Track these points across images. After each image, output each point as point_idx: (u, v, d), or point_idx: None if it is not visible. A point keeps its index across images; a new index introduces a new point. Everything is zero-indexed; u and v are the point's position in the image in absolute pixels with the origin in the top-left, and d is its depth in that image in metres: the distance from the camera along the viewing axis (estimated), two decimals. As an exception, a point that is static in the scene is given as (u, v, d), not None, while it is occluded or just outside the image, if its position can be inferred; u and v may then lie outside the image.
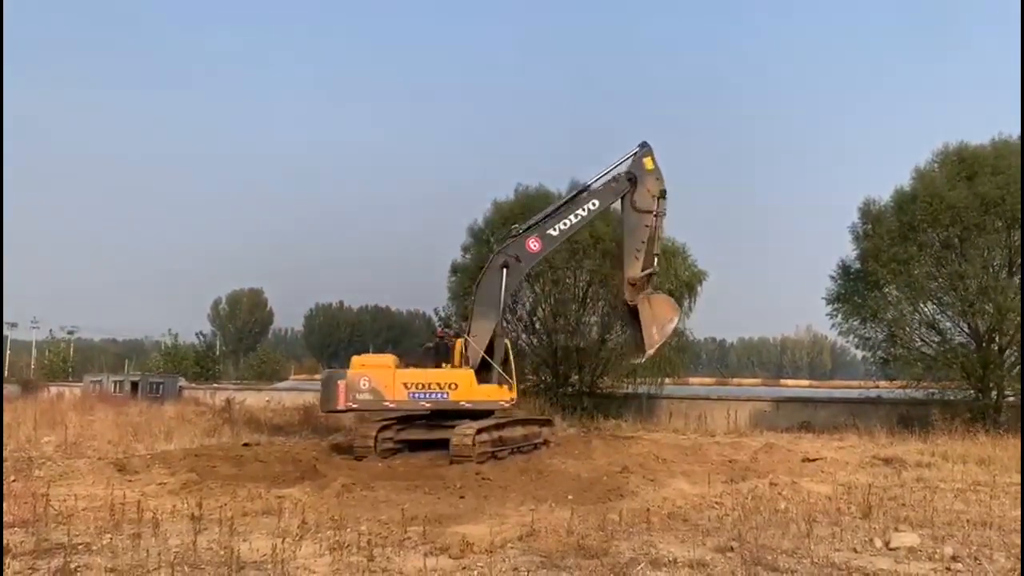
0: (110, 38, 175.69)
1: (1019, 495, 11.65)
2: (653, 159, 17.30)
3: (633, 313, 16.98)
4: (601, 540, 8.63)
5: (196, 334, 65.50)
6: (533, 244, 17.10)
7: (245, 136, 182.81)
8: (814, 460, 16.15)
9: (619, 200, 17.52)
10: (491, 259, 17.44)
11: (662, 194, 17.07)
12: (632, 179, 17.19)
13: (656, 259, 17.11)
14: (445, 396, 15.98)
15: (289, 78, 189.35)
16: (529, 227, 17.26)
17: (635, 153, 17.35)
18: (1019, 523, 9.68)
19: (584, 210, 17.35)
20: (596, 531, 9.10)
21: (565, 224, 17.28)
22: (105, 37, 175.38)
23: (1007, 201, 21.49)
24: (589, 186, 17.63)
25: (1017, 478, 13.29)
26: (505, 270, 16.87)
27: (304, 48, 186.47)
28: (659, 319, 16.68)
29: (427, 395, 16.01)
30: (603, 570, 7.49)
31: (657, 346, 16.89)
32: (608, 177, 17.53)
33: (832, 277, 24.85)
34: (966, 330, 23.21)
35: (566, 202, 17.68)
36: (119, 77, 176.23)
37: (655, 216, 17.00)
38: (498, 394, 16.24)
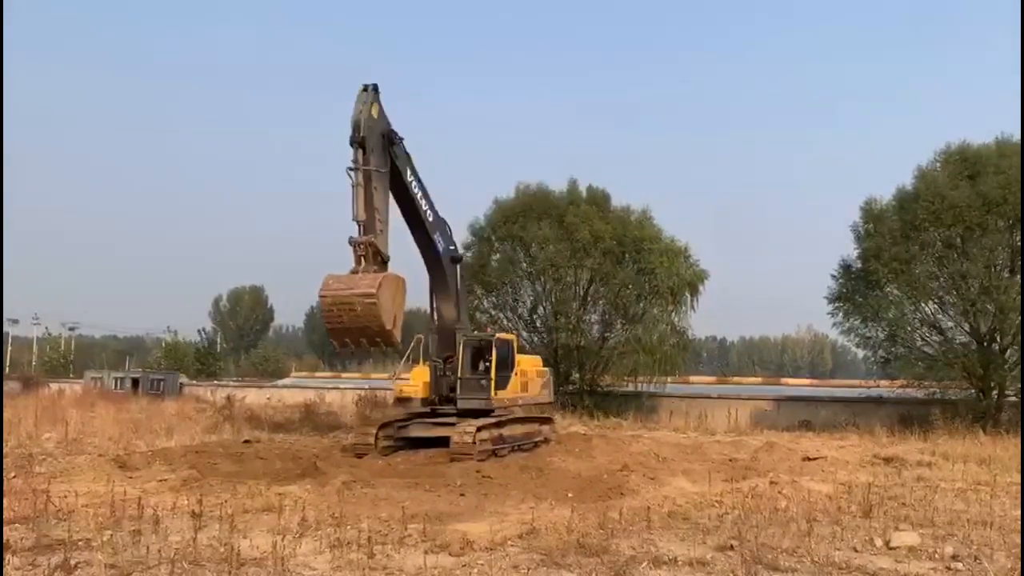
0: (108, 35, 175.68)
1: (1020, 495, 11.64)
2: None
3: None
4: (601, 538, 8.64)
5: (198, 331, 65.48)
6: None
7: (247, 131, 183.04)
8: (814, 459, 16.15)
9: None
10: None
11: (351, 142, 14.63)
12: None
13: (362, 227, 14.49)
14: None
15: (291, 74, 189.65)
16: None
17: None
18: (1019, 523, 9.68)
19: None
20: (596, 529, 9.10)
21: None
22: (103, 33, 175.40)
23: (1009, 201, 21.47)
24: None
25: (1018, 478, 13.29)
26: None
27: (304, 44, 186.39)
28: None
29: None
30: (603, 568, 7.49)
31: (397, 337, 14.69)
32: None
33: (833, 276, 24.88)
34: (967, 330, 23.19)
35: None
36: (121, 72, 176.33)
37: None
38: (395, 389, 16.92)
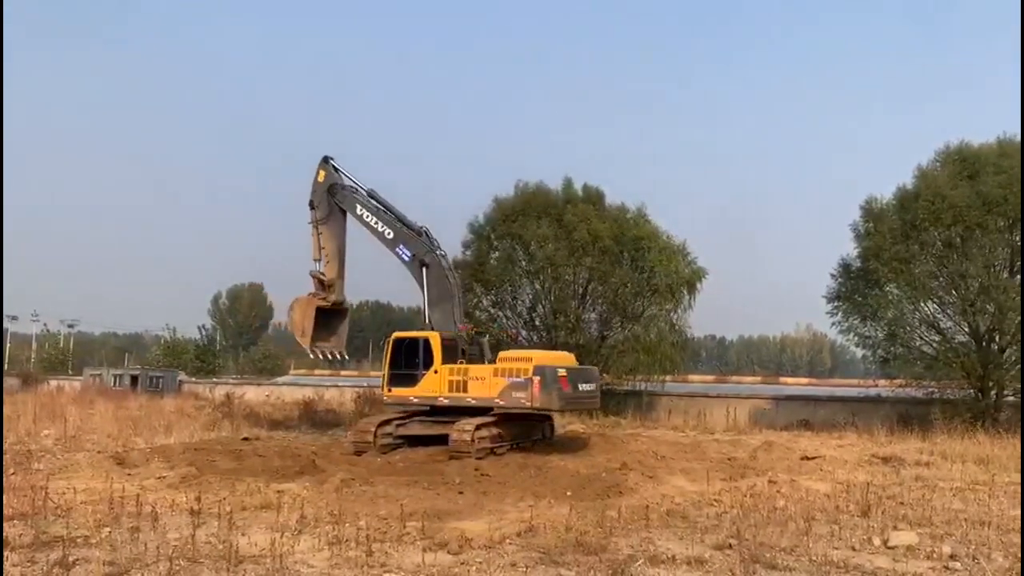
0: (110, 30, 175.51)
1: (1018, 494, 11.66)
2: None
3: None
4: (600, 536, 8.64)
5: (198, 328, 65.46)
6: None
7: (246, 128, 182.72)
8: (813, 458, 16.15)
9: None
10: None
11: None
12: None
13: (316, 264, 19.19)
14: None
15: (291, 72, 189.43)
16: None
17: None
18: (1018, 522, 9.69)
19: None
20: (595, 527, 9.10)
21: None
22: (104, 29, 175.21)
23: (1009, 200, 21.43)
24: None
25: (1016, 477, 13.30)
26: None
27: (306, 45, 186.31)
28: None
29: None
30: (601, 566, 7.49)
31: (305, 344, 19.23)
32: None
33: (833, 275, 24.81)
34: (966, 329, 23.16)
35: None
36: (121, 71, 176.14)
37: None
38: None
